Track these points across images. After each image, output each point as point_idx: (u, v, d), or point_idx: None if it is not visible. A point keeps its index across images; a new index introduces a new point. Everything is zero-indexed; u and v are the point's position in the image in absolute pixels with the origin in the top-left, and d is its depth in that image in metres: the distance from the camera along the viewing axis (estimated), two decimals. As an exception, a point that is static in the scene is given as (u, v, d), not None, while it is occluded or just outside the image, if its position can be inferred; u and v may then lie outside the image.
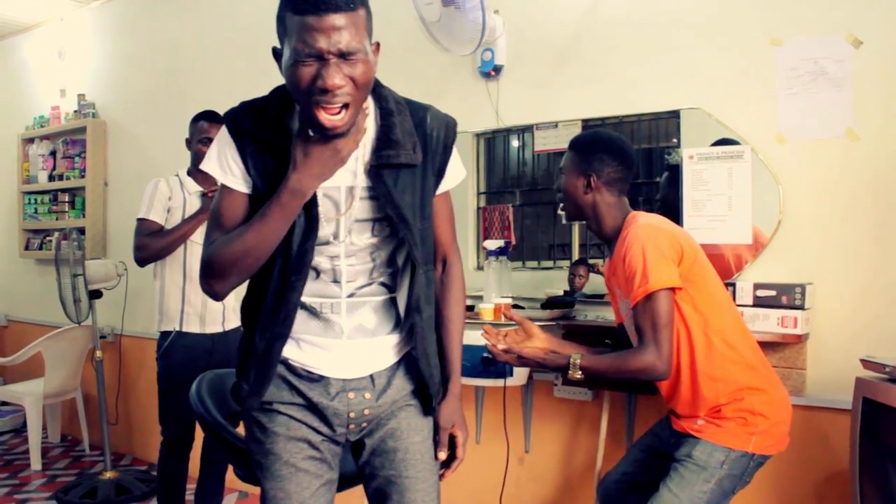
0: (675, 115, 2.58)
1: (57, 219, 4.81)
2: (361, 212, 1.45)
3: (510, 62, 2.91)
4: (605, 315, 2.63)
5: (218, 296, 1.43)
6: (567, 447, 2.82)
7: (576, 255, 2.95)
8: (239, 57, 3.88)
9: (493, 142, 3.12)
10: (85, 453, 4.58)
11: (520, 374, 2.67)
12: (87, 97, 4.70)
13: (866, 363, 2.00)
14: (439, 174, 1.52)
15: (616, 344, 2.28)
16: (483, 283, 2.92)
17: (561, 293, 2.86)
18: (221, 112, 3.38)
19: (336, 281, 1.48)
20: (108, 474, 3.80)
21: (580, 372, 1.92)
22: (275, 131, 1.40)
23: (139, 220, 2.97)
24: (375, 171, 1.43)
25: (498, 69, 2.91)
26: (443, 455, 1.57)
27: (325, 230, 1.43)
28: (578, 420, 2.79)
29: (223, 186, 1.44)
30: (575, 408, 2.78)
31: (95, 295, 3.77)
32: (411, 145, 1.45)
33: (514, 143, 3.07)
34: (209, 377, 2.27)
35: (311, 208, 1.39)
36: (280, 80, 1.36)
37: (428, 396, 1.55)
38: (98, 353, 3.82)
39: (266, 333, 1.43)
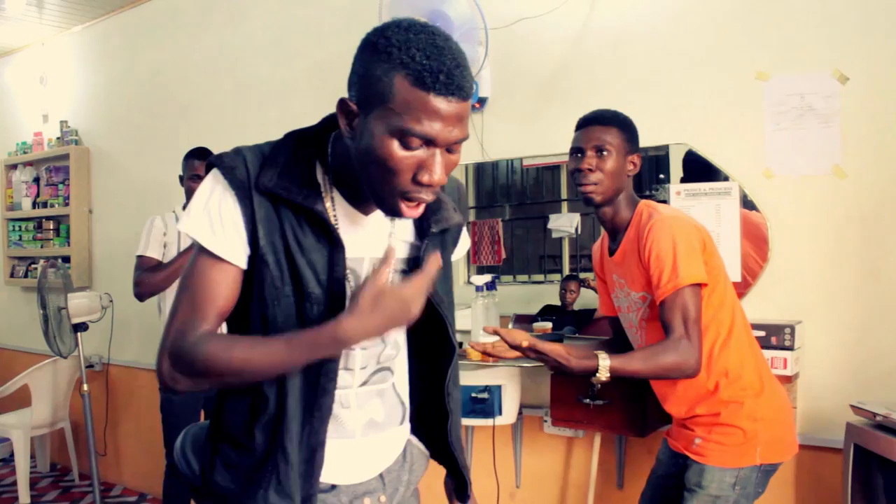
0: (663, 149, 2.56)
1: (42, 246, 4.77)
2: None
3: (494, 94, 2.88)
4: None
5: (175, 392, 1.17)
6: (558, 483, 2.79)
7: (566, 267, 2.93)
8: (222, 83, 3.85)
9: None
10: (74, 483, 4.53)
11: (509, 413, 2.64)
12: (69, 123, 4.66)
13: (857, 409, 1.98)
14: (454, 242, 1.39)
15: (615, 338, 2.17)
16: (471, 298, 2.90)
17: (549, 307, 2.88)
18: (212, 147, 3.36)
19: (348, 368, 1.25)
20: (97, 509, 3.76)
21: (608, 373, 1.70)
22: (307, 194, 1.15)
23: (137, 256, 3.11)
24: (429, 242, 1.26)
25: (482, 101, 2.88)
26: None
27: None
28: (569, 456, 2.76)
29: (206, 253, 1.15)
30: (565, 443, 2.76)
31: (81, 328, 3.73)
32: (451, 202, 1.30)
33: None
34: (193, 431, 2.23)
35: (333, 272, 1.16)
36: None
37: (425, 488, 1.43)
38: (85, 387, 3.77)
39: (303, 443, 1.18)
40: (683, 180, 2.50)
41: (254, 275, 1.16)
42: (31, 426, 4.26)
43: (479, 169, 3.12)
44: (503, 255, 3.06)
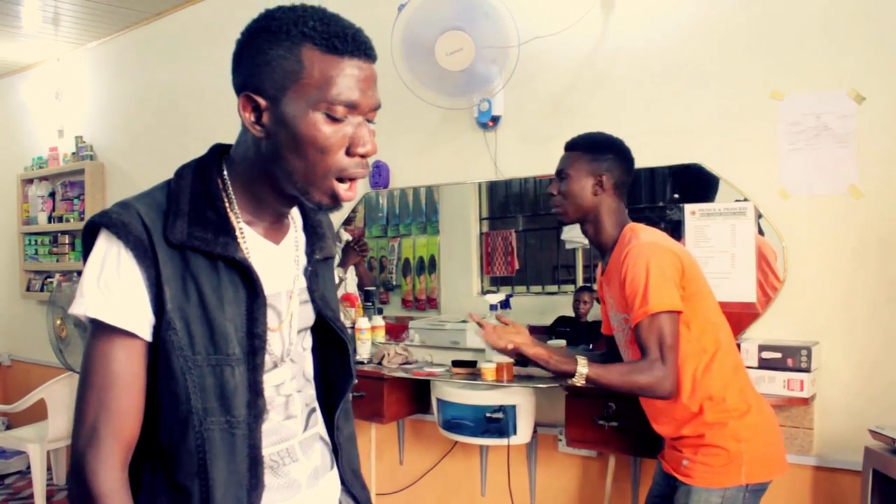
0: (676, 169, 2.55)
1: (57, 260, 4.81)
2: (300, 319, 1.17)
3: (507, 113, 2.88)
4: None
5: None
6: (573, 503, 2.78)
7: (580, 278, 2.93)
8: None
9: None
10: (90, 496, 4.55)
11: (523, 433, 2.64)
12: (84, 139, 4.70)
13: (875, 434, 1.96)
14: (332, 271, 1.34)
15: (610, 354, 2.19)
16: (484, 308, 2.92)
17: (562, 319, 2.89)
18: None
19: (291, 416, 1.15)
20: (113, 523, 3.77)
21: (584, 380, 1.81)
22: (226, 241, 1.04)
23: None
24: (314, 269, 1.19)
25: (496, 119, 2.88)
26: None
27: (273, 349, 1.10)
28: (584, 476, 2.75)
29: (107, 331, 0.99)
30: (580, 463, 2.75)
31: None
32: (332, 235, 1.27)
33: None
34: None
35: (253, 326, 1.05)
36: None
37: None
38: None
39: (244, 490, 1.05)
40: (689, 198, 2.50)
41: (158, 345, 1.01)
42: (48, 440, 4.28)
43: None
44: (516, 266, 3.07)
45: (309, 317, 1.19)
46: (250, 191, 1.08)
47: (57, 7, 4.12)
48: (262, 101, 1.01)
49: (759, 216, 2.36)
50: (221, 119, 3.90)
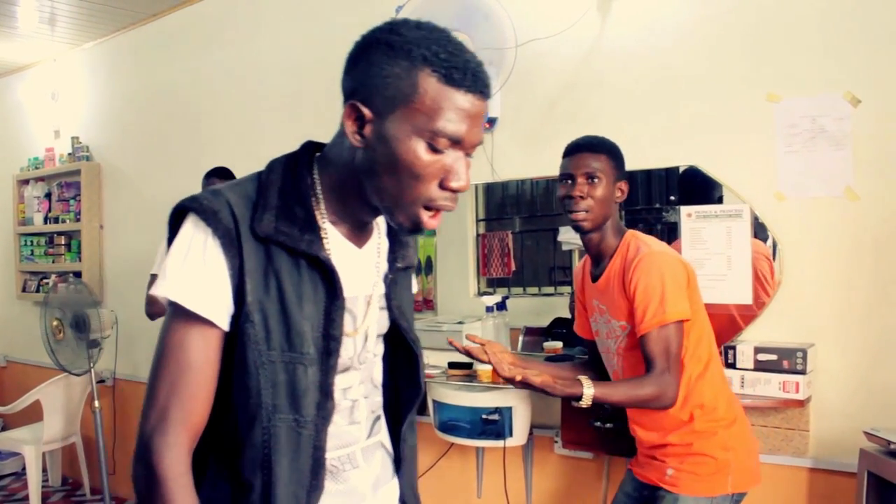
0: (673, 171, 2.55)
1: (53, 261, 4.80)
2: (375, 326, 1.16)
3: (505, 115, 2.88)
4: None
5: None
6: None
7: None
8: (233, 99, 3.86)
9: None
10: (86, 498, 4.55)
11: (520, 435, 2.63)
12: (80, 139, 4.69)
13: (870, 436, 1.97)
14: (410, 281, 1.32)
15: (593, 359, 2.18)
16: (480, 313, 2.92)
17: (559, 320, 2.88)
18: (226, 163, 3.37)
19: (355, 421, 1.14)
20: (109, 525, 3.78)
21: (591, 401, 1.71)
22: (311, 238, 1.04)
23: (151, 275, 3.16)
24: (393, 276, 1.19)
25: (492, 122, 2.88)
26: None
27: (344, 353, 1.09)
28: (580, 478, 2.75)
29: (186, 316, 1.00)
30: (576, 465, 2.75)
31: (93, 345, 3.76)
32: (415, 244, 1.26)
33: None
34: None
35: (330, 327, 1.05)
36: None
37: None
38: (96, 403, 3.80)
39: (304, 490, 1.05)
40: (682, 200, 2.50)
41: (235, 337, 1.02)
42: (43, 441, 4.28)
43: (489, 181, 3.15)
44: (513, 268, 3.07)
45: (384, 324, 1.18)
46: (338, 193, 1.08)
47: (53, 7, 4.12)
48: (367, 113, 0.99)
49: (757, 219, 2.36)
50: (218, 119, 3.93)
